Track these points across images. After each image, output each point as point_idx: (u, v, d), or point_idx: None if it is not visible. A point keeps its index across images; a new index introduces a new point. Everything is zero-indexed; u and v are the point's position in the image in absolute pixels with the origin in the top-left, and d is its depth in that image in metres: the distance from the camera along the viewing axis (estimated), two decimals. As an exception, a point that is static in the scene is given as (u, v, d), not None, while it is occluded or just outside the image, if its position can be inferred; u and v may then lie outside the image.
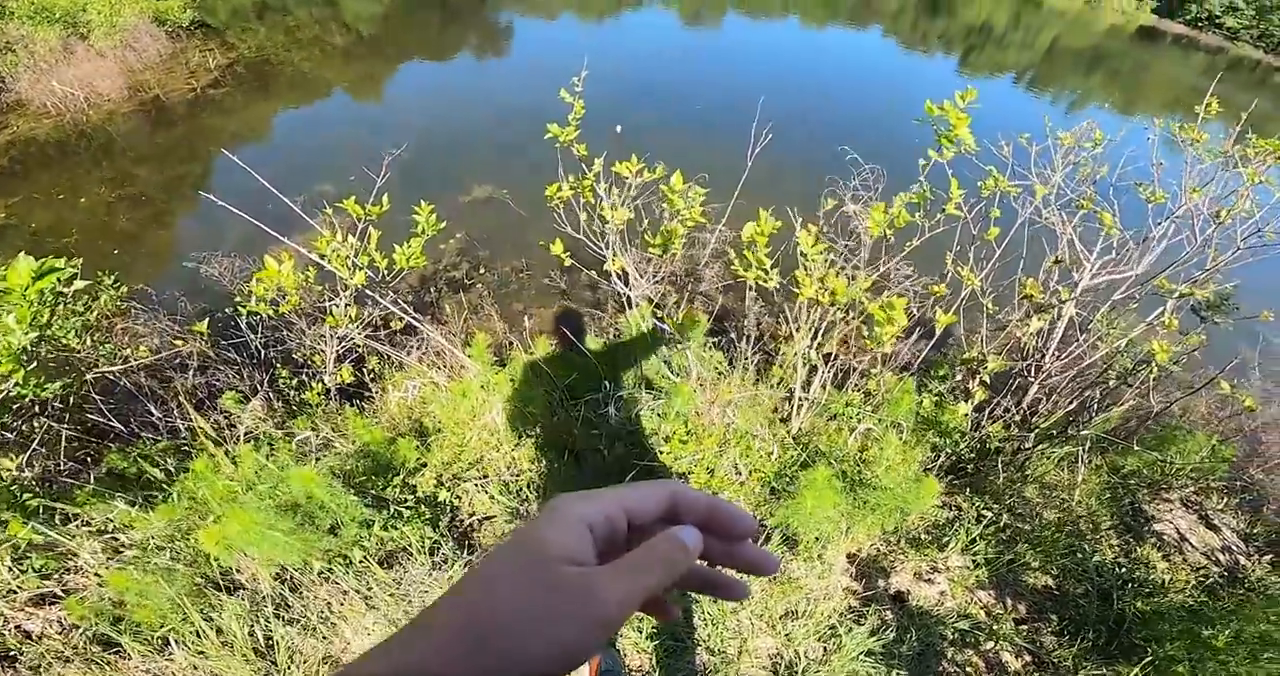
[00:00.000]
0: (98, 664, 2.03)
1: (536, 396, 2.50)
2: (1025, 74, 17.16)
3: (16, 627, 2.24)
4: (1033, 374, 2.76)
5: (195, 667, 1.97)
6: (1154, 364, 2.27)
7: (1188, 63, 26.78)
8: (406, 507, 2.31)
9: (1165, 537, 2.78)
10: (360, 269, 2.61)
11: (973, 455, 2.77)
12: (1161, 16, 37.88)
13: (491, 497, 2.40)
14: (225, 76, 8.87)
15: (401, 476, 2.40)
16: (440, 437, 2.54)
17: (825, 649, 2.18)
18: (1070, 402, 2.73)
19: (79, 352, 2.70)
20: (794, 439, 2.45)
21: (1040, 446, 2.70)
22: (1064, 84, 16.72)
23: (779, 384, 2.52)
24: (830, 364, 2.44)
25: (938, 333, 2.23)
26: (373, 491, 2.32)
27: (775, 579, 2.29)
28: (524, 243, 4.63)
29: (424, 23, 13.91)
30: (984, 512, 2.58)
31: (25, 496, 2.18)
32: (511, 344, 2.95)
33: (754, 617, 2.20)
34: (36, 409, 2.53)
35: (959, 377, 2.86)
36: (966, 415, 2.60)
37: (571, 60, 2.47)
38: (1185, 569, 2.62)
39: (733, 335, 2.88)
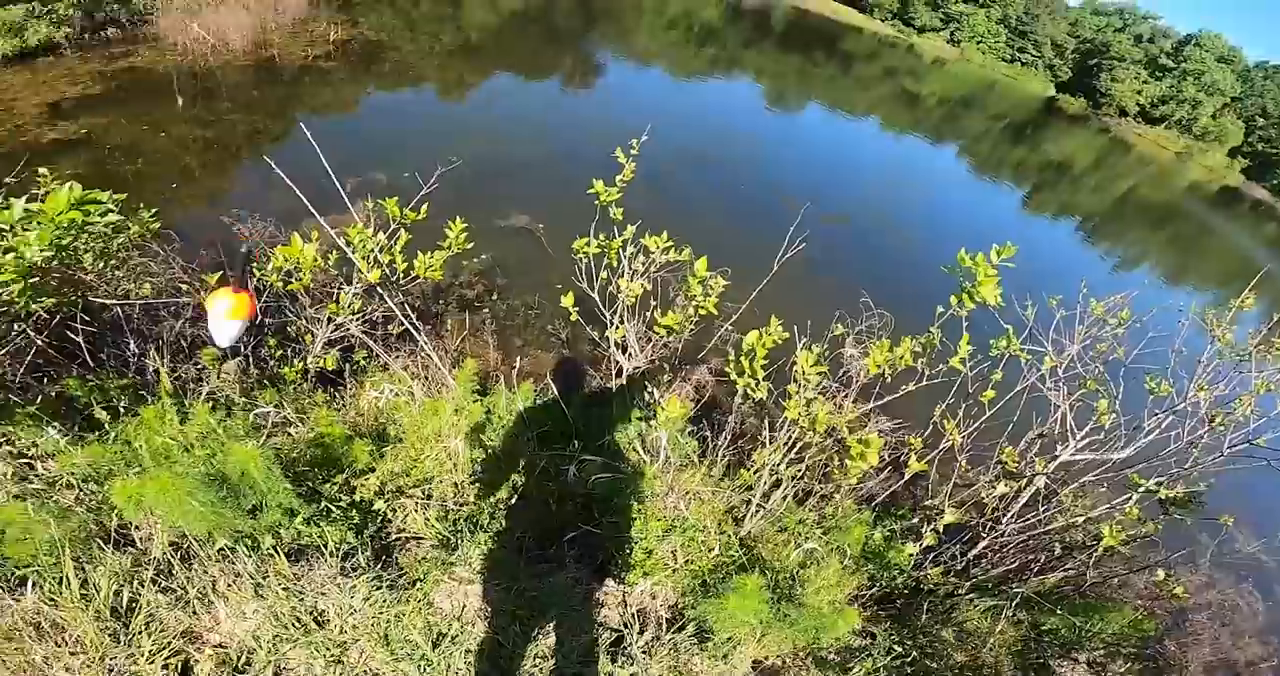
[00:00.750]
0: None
1: (507, 436, 2.48)
2: (1089, 221, 17.23)
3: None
4: (986, 530, 2.73)
5: (39, 613, 1.87)
6: (1101, 545, 2.26)
7: (1257, 232, 26.37)
8: (338, 507, 2.27)
9: (1063, 697, 2.67)
10: (379, 267, 2.67)
11: (906, 591, 2.74)
12: (1250, 178, 36.99)
13: (426, 521, 2.36)
14: (338, 50, 9.40)
15: (345, 476, 2.37)
16: (398, 448, 2.52)
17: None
18: (1014, 562, 2.71)
19: (87, 275, 2.75)
20: (740, 540, 2.39)
21: (972, 595, 2.65)
22: (1123, 238, 16.66)
23: (742, 486, 2.48)
24: (796, 480, 2.41)
25: (907, 475, 2.19)
26: (310, 483, 2.29)
27: (675, 668, 2.20)
28: (543, 281, 4.64)
29: (527, 43, 14.64)
30: (895, 647, 2.51)
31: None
32: (498, 378, 2.94)
33: (644, 700, 2.11)
34: (21, 315, 2.52)
35: (915, 520, 2.83)
36: (912, 555, 2.57)
37: (646, 113, 2.56)
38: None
39: (712, 430, 2.86)
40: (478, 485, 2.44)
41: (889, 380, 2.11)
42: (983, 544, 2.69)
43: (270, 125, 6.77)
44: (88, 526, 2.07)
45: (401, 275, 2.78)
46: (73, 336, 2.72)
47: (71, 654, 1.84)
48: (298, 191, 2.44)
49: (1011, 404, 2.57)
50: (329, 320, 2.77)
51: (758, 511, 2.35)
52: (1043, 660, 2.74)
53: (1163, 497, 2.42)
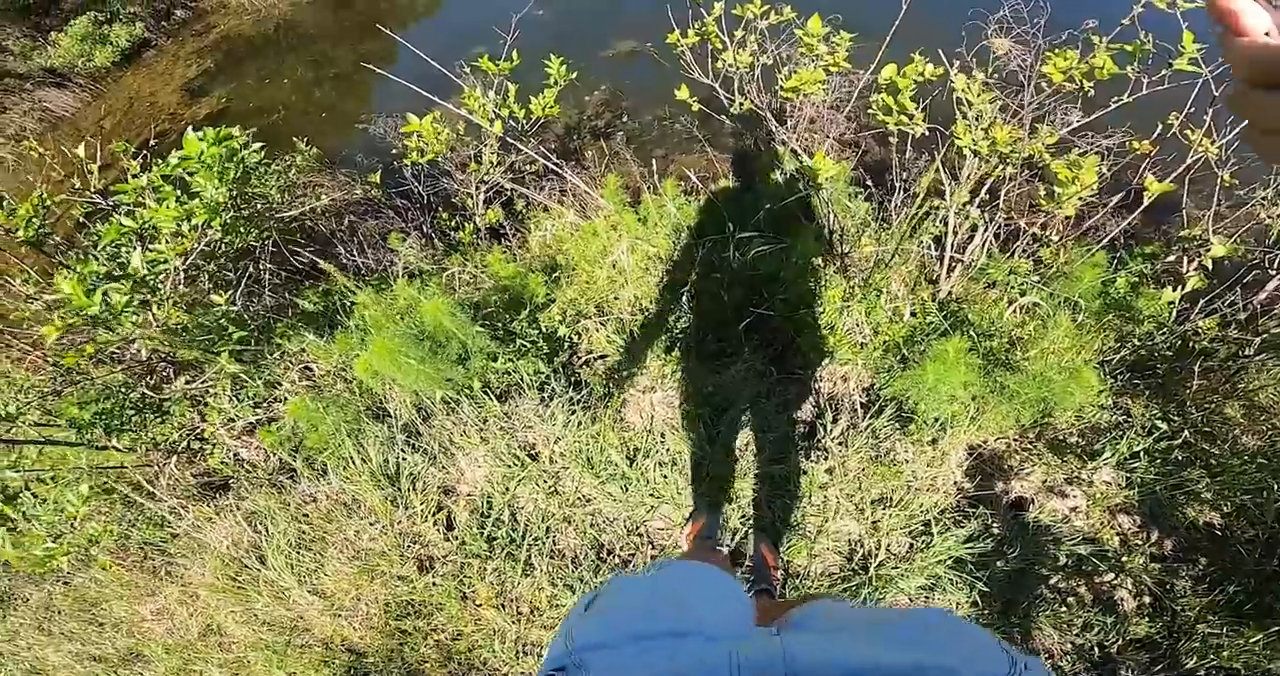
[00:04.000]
0: (277, 487, 2.30)
1: (664, 237, 2.49)
2: None
3: (234, 455, 2.52)
4: (1275, 266, 2.16)
5: (342, 491, 2.20)
6: None
7: None
8: (528, 341, 2.50)
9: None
10: (498, 119, 2.75)
11: (1169, 353, 2.24)
12: None
13: (608, 338, 2.52)
14: (393, -47, 9.07)
15: (528, 311, 2.59)
16: (572, 275, 2.68)
17: (912, 545, 1.99)
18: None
19: (281, 208, 3.17)
20: (939, 304, 2.20)
21: (1264, 355, 2.11)
22: None
23: (932, 241, 2.23)
24: (995, 222, 2.10)
25: (1146, 201, 1.77)
26: (501, 324, 2.54)
27: (876, 459, 2.11)
28: (667, 94, 4.37)
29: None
30: (1159, 423, 2.08)
31: (231, 330, 2.46)
32: (650, 188, 2.98)
33: (842, 496, 2.06)
34: (241, 254, 2.92)
35: (1171, 259, 2.32)
36: (1171, 304, 2.10)
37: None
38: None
39: (883, 191, 2.58)
40: (647, 292, 2.52)
41: (1090, 94, 1.67)
42: (1273, 284, 2.11)
43: (371, 46, 6.90)
44: (357, 408, 2.39)
45: (525, 123, 2.83)
46: (300, 261, 3.17)
47: (371, 524, 2.16)
48: (412, 86, 2.53)
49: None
50: (479, 179, 2.96)
51: (954, 266, 2.13)
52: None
53: None
